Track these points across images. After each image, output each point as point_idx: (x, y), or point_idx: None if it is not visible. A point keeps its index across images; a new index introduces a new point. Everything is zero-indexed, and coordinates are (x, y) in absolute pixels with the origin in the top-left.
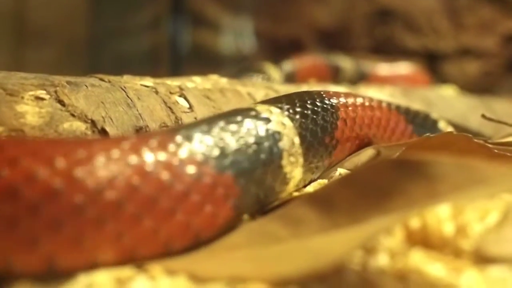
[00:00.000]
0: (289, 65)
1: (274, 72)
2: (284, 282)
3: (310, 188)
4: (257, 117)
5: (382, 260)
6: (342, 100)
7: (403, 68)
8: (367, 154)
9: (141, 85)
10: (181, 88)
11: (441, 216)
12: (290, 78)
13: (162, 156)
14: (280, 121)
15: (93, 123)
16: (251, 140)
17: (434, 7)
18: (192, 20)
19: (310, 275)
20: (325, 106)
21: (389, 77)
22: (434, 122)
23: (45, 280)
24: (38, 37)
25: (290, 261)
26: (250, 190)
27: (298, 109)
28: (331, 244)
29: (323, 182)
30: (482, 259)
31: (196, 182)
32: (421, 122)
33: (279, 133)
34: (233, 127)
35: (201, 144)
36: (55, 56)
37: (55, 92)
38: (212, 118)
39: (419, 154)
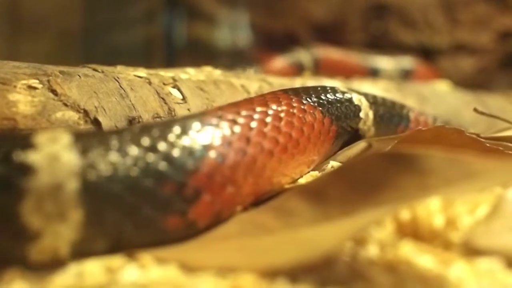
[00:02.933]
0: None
1: None
2: (274, 273)
3: (302, 180)
4: None
5: (372, 251)
6: None
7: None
8: (359, 147)
9: (135, 75)
10: (174, 79)
11: (431, 209)
12: None
13: None
14: None
15: (85, 113)
16: None
17: (430, 2)
18: (187, 12)
19: (301, 266)
20: None
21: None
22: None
23: (36, 269)
24: (32, 28)
25: (281, 252)
26: None
27: None
28: (322, 235)
29: (315, 174)
30: (471, 251)
31: None
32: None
33: None
34: None
35: None
36: (49, 47)
37: (48, 81)
38: None
39: (411, 147)
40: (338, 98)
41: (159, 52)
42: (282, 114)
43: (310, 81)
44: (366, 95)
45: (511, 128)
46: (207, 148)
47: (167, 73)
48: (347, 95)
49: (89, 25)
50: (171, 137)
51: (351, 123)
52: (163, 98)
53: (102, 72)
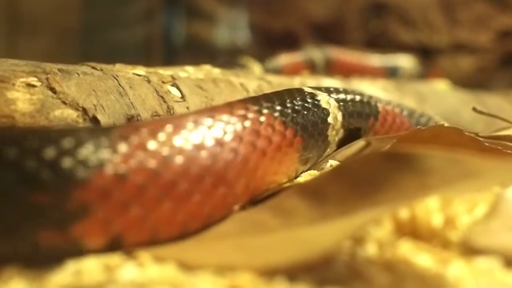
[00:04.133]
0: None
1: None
2: (273, 272)
3: (300, 179)
4: None
5: (370, 250)
6: None
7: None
8: (358, 146)
9: (133, 74)
10: (173, 78)
11: (429, 208)
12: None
13: None
14: None
15: (84, 111)
16: None
17: (429, 1)
18: (187, 11)
19: (299, 265)
20: None
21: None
22: None
23: (34, 267)
24: (31, 26)
25: (280, 251)
26: None
27: None
28: (320, 234)
29: (313, 173)
30: (469, 250)
31: None
32: None
33: None
34: None
35: None
36: (48, 45)
37: (47, 79)
38: None
39: (409, 146)
40: (304, 104)
41: (158, 51)
42: (230, 128)
43: (309, 80)
44: (336, 92)
45: (510, 128)
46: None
47: (166, 71)
48: (315, 99)
49: (88, 23)
50: (62, 144)
51: (320, 130)
52: (162, 96)
53: (101, 70)
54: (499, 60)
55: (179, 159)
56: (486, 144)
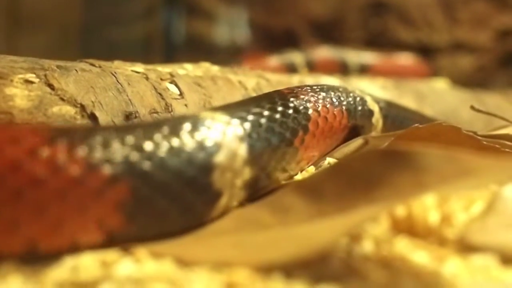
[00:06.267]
0: None
1: None
2: (269, 268)
3: (298, 176)
4: None
5: (367, 247)
6: None
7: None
8: (356, 144)
9: (132, 71)
10: (172, 75)
11: (426, 205)
12: None
13: None
14: None
15: (82, 107)
16: None
17: (429, 0)
18: (187, 9)
19: (296, 261)
20: None
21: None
22: None
23: (30, 263)
24: (32, 23)
25: (277, 248)
26: None
27: None
28: (317, 231)
29: (311, 170)
30: (466, 247)
31: None
32: None
33: None
34: None
35: None
36: (48, 42)
37: (45, 75)
38: None
39: (407, 144)
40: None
41: (158, 48)
42: None
43: (308, 78)
44: (240, 118)
45: (508, 126)
46: None
47: (165, 69)
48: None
49: (88, 20)
50: None
51: None
52: (160, 94)
53: (100, 67)
54: (499, 60)
55: None
56: (484, 142)
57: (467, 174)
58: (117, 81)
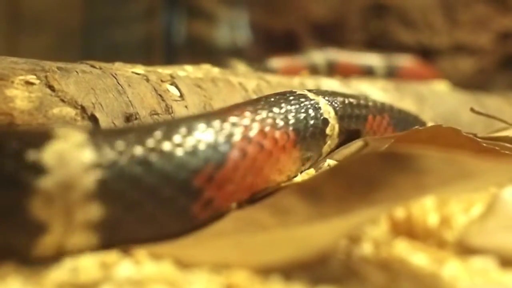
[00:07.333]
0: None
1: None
2: (269, 270)
3: (298, 178)
4: None
5: (366, 249)
6: None
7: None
8: (356, 146)
9: (132, 72)
10: (172, 77)
11: (426, 208)
12: None
13: None
14: None
15: (83, 109)
16: None
17: (429, 2)
18: (187, 10)
19: (295, 263)
20: None
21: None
22: None
23: (30, 264)
24: (32, 24)
25: (276, 250)
26: None
27: None
28: (317, 233)
29: (311, 172)
30: (465, 250)
31: None
32: None
33: None
34: None
35: None
36: (49, 43)
37: (45, 77)
38: None
39: (407, 147)
40: None
41: (159, 50)
42: None
43: (308, 80)
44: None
45: (508, 129)
46: None
47: (165, 70)
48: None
49: (89, 21)
50: None
51: None
52: (160, 95)
53: (100, 68)
54: (499, 62)
55: None
56: (484, 144)
57: (466, 177)
58: (118, 82)
